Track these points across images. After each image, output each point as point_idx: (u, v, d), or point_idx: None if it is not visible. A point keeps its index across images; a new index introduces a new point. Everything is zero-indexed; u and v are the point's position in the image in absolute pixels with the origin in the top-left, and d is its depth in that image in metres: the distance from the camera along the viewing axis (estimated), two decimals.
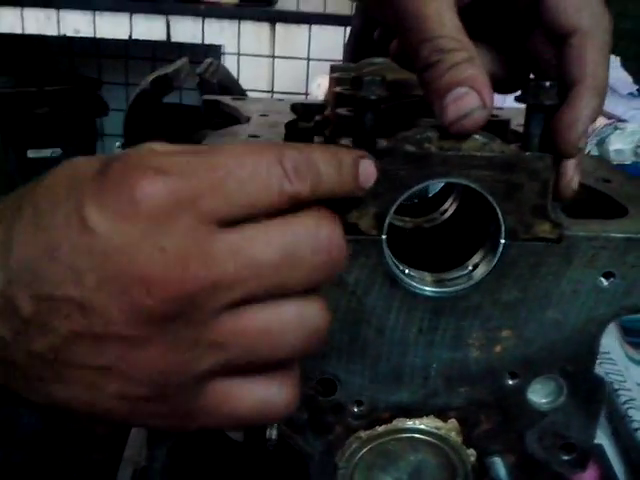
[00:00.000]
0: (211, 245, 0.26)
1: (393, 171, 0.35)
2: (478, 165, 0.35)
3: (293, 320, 0.29)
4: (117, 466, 0.51)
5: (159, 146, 0.28)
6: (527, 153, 0.35)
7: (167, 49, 2.14)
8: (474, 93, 0.33)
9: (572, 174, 0.38)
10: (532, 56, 0.40)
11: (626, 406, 0.59)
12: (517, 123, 0.47)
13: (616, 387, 0.61)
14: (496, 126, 0.39)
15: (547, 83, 0.34)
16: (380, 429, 0.41)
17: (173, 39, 2.04)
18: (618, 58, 1.28)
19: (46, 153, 2.09)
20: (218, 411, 0.29)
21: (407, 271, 0.39)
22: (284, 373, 0.30)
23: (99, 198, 0.26)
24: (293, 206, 0.28)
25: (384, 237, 0.37)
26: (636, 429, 0.56)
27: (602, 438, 0.57)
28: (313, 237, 0.28)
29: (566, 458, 0.43)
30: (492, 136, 0.35)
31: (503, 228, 0.37)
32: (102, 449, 0.54)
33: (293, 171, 0.28)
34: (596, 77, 0.36)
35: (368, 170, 0.32)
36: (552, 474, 0.44)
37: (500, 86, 0.40)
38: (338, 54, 1.78)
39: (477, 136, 0.35)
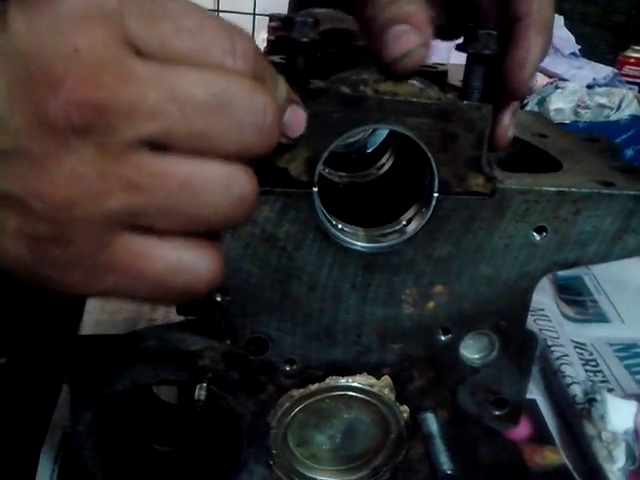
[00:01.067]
0: (133, 65, 0.24)
1: (327, 113, 0.33)
2: (414, 112, 0.34)
3: (218, 179, 0.26)
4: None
5: None
6: (464, 102, 0.34)
7: None
8: (415, 31, 0.32)
9: (508, 123, 0.37)
10: (472, 2, 0.38)
11: (559, 362, 0.60)
12: (458, 79, 0.46)
13: (550, 343, 0.62)
14: (434, 77, 0.38)
15: (488, 32, 0.33)
16: (313, 387, 0.40)
17: None
18: (562, 17, 1.28)
19: None
20: (127, 269, 0.26)
21: (340, 226, 0.38)
22: (207, 241, 0.28)
23: None
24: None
25: (315, 190, 0.35)
26: (569, 384, 0.57)
27: (535, 393, 0.58)
28: (249, 95, 0.26)
29: (498, 413, 0.43)
30: (429, 83, 0.34)
31: (437, 180, 0.36)
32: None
33: (241, 53, 0.26)
34: (542, 13, 0.35)
35: (297, 117, 0.30)
36: (485, 429, 0.44)
37: (440, 33, 0.39)
38: (284, 9, 1.74)
39: (414, 81, 0.34)
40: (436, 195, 0.36)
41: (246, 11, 1.97)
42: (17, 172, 0.24)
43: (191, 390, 0.42)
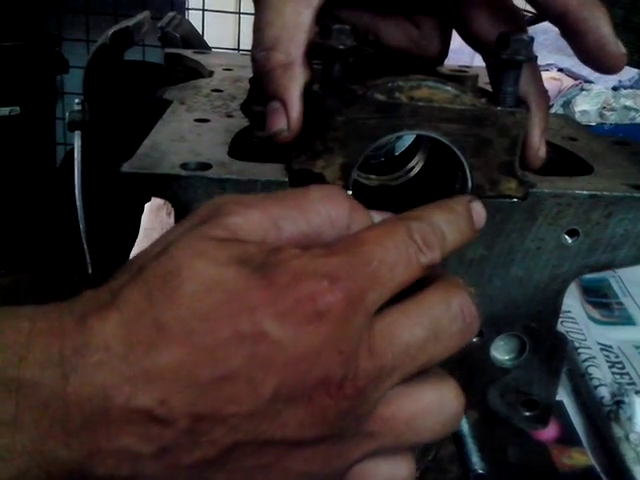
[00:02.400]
0: (373, 337, 0.27)
1: (362, 120, 0.34)
2: (448, 118, 0.34)
3: (434, 406, 0.29)
4: None
5: (250, 218, 0.28)
6: (498, 108, 0.35)
7: (130, 4, 2.08)
8: (282, 112, 0.34)
9: (538, 145, 0.38)
10: (472, 34, 0.39)
11: (586, 364, 0.60)
12: (484, 82, 0.47)
13: (576, 345, 0.62)
14: (464, 82, 0.38)
15: (520, 37, 0.34)
16: None
17: None
18: None
19: (4, 112, 2.03)
20: None
21: None
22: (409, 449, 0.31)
23: (277, 310, 0.25)
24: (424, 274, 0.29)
25: (350, 192, 0.36)
26: (596, 386, 0.57)
27: (562, 395, 0.59)
28: (446, 308, 0.29)
29: (528, 414, 0.43)
30: (464, 89, 0.35)
31: (470, 184, 0.36)
32: None
33: (423, 242, 0.29)
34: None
35: (479, 212, 0.32)
36: (514, 430, 0.44)
37: (432, 60, 0.41)
38: None
39: (449, 87, 0.34)
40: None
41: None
42: (278, 453, 0.26)
43: None
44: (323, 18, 0.38)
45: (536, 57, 0.35)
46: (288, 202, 0.29)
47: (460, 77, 0.40)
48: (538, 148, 0.38)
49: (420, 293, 0.29)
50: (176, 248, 0.26)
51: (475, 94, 0.36)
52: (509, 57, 0.34)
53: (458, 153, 0.36)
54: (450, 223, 0.30)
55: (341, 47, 0.33)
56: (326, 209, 0.29)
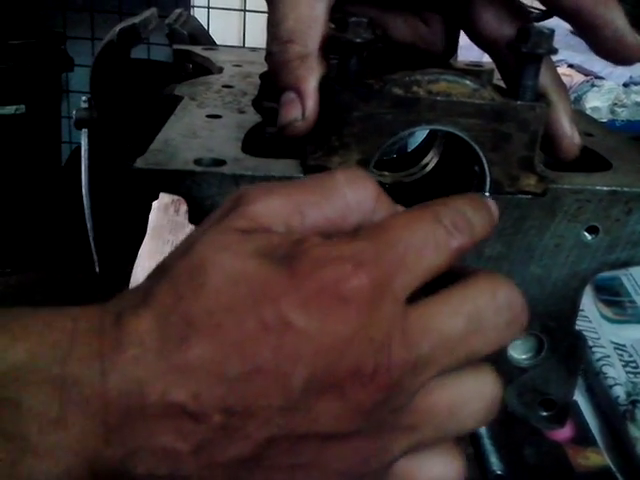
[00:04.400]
0: (408, 326, 0.26)
1: (379, 115, 0.33)
2: (467, 112, 0.34)
3: (474, 393, 0.28)
4: None
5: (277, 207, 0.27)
6: (518, 102, 0.34)
7: (135, 2, 2.07)
8: (297, 102, 0.34)
9: (571, 132, 0.37)
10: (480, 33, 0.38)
11: (600, 363, 0.59)
12: (496, 77, 0.46)
13: (591, 344, 0.61)
14: (479, 75, 0.38)
15: (540, 30, 0.33)
16: None
17: None
18: None
19: (10, 110, 2.03)
20: None
21: None
22: (454, 444, 0.30)
23: (300, 298, 0.25)
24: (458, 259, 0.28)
25: None
26: (610, 386, 0.56)
27: (577, 395, 0.58)
28: (492, 298, 0.28)
29: (545, 414, 0.43)
30: (483, 83, 0.34)
31: (488, 180, 0.36)
32: None
33: (452, 226, 0.28)
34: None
35: (495, 209, 0.31)
36: (530, 430, 0.44)
37: (440, 56, 0.40)
38: None
39: (467, 82, 0.34)
40: (487, 195, 0.36)
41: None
42: (315, 448, 0.26)
43: None
44: (335, 13, 0.38)
45: (556, 50, 0.34)
46: (312, 187, 0.28)
47: (476, 71, 0.40)
48: (572, 135, 0.37)
49: (463, 281, 0.28)
50: (201, 243, 0.26)
51: (494, 89, 0.35)
52: (530, 50, 0.34)
53: (477, 148, 0.35)
54: (476, 211, 0.29)
55: (358, 40, 0.33)
56: (352, 192, 0.28)
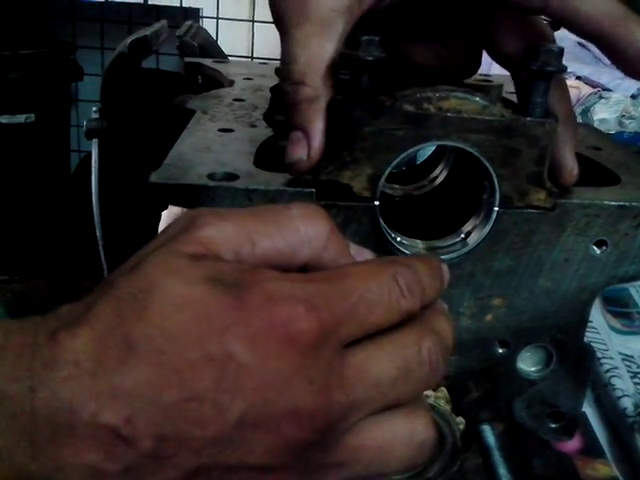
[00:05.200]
0: (346, 370, 0.26)
1: (390, 131, 0.34)
2: (477, 129, 0.34)
3: (404, 436, 0.29)
4: None
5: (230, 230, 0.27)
6: (527, 118, 0.34)
7: (144, 13, 2.09)
8: (304, 142, 0.35)
9: (572, 164, 0.38)
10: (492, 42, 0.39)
11: (609, 374, 0.59)
12: (506, 91, 0.47)
13: (599, 356, 0.61)
14: (488, 91, 0.38)
15: (549, 48, 0.33)
16: None
17: (150, 1, 1.99)
18: None
19: (20, 119, 2.04)
20: None
21: (399, 239, 0.38)
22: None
23: (246, 332, 0.25)
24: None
25: (377, 203, 0.36)
26: (619, 397, 0.56)
27: (585, 406, 0.58)
28: (418, 351, 0.28)
29: (554, 426, 0.43)
30: (492, 99, 0.35)
31: (498, 195, 0.36)
32: None
33: (407, 288, 0.28)
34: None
35: (447, 274, 0.32)
36: (539, 441, 0.44)
37: (460, 73, 0.41)
38: None
39: (478, 98, 0.34)
40: (497, 209, 0.36)
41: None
42: (244, 478, 0.26)
43: None
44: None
45: (566, 68, 0.35)
46: (266, 217, 0.28)
47: (485, 87, 0.40)
48: (572, 168, 0.38)
49: (396, 331, 0.28)
50: (149, 264, 0.26)
51: (503, 104, 0.36)
52: (539, 68, 0.34)
53: (486, 164, 0.35)
54: (431, 278, 0.30)
55: (369, 58, 0.33)
56: (305, 227, 0.28)
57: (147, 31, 0.94)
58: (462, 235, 0.38)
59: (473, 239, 0.37)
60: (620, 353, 0.64)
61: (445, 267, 0.31)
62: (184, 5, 2.00)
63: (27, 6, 2.23)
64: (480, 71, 0.65)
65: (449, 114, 0.34)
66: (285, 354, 0.25)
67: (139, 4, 2.01)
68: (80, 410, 0.24)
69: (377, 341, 0.28)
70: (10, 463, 0.24)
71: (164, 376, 0.24)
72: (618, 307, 0.73)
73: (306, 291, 0.26)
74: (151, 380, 0.24)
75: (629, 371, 0.62)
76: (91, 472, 0.24)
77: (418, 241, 0.39)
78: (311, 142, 0.35)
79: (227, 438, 0.25)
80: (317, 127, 0.35)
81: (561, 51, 0.34)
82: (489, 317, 0.39)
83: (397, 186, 0.49)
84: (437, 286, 0.30)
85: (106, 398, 0.24)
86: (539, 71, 0.34)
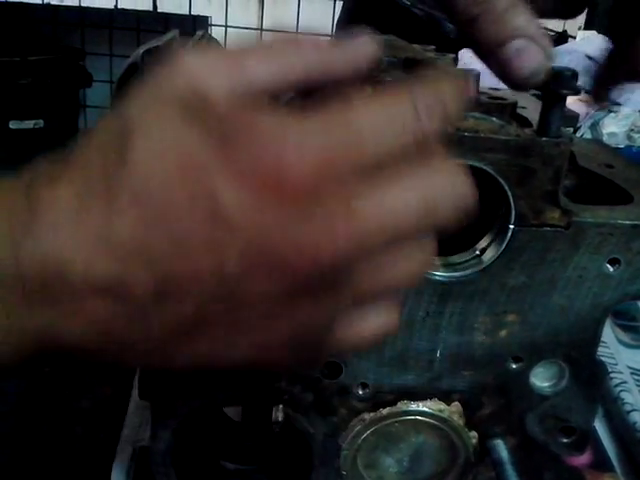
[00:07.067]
0: (355, 203, 0.24)
1: None
2: (494, 148, 0.35)
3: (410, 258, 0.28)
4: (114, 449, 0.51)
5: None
6: (543, 138, 0.35)
7: (153, 20, 2.10)
8: (535, 45, 0.32)
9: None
10: None
11: (618, 389, 0.59)
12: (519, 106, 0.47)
13: (609, 370, 0.62)
14: (503, 109, 0.39)
15: (566, 69, 0.34)
16: (384, 411, 0.41)
17: (159, 9, 2.01)
18: None
19: (29, 124, 2.06)
20: (343, 340, 0.28)
21: None
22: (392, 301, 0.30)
23: (235, 178, 0.23)
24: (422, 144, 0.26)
25: None
26: (628, 411, 0.57)
27: (595, 420, 0.58)
28: (452, 187, 0.27)
29: (565, 441, 0.43)
30: (508, 119, 0.35)
31: (513, 213, 0.37)
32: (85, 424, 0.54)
33: (425, 110, 0.26)
34: None
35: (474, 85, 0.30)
36: (550, 455, 0.44)
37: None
38: (327, 27, 1.76)
39: (494, 118, 0.35)
40: (512, 227, 0.37)
41: (289, 29, 2.00)
42: (258, 312, 0.25)
43: (258, 409, 0.43)
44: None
45: (580, 90, 0.35)
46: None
47: (499, 105, 0.41)
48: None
49: (423, 163, 0.26)
50: (133, 108, 0.24)
51: (518, 123, 0.37)
52: (555, 89, 0.35)
53: (503, 183, 0.36)
54: (453, 101, 0.27)
55: (389, 79, 0.34)
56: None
57: (159, 41, 0.95)
58: (477, 252, 0.39)
59: (488, 256, 0.38)
60: (629, 367, 0.65)
61: (472, 81, 0.29)
62: (193, 13, 2.01)
63: (36, 13, 2.25)
64: (490, 84, 0.65)
65: (466, 133, 0.35)
66: (278, 198, 0.23)
67: (148, 11, 2.02)
68: (71, 259, 0.23)
69: (395, 173, 0.25)
70: (9, 324, 0.23)
71: (150, 225, 0.23)
72: (627, 321, 0.73)
73: (299, 131, 0.24)
74: (138, 230, 0.23)
75: (638, 385, 0.63)
76: (93, 323, 0.24)
77: (435, 257, 0.39)
78: (541, 39, 0.32)
79: (230, 270, 0.23)
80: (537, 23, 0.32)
81: (575, 74, 0.34)
82: (503, 333, 0.40)
83: None
84: (459, 102, 0.27)
85: (96, 248, 0.23)
86: (555, 93, 0.35)
